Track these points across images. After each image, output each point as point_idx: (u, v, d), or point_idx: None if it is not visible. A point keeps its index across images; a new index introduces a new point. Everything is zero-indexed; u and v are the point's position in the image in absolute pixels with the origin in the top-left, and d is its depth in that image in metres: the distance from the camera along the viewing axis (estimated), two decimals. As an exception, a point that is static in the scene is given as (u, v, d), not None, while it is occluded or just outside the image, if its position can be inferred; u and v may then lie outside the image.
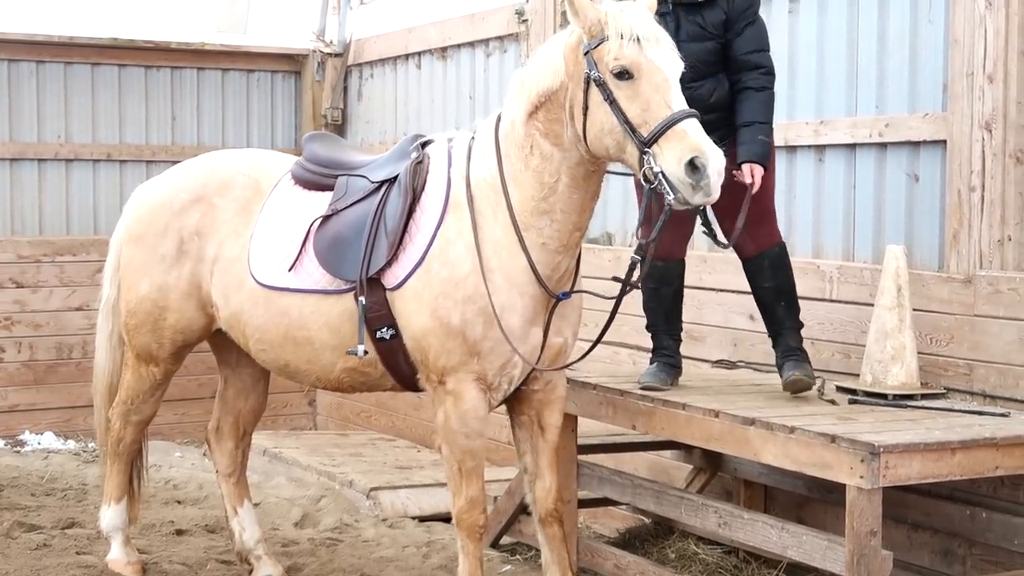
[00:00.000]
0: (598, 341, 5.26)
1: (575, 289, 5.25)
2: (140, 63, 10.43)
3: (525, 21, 8.39)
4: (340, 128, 10.73)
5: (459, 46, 9.32)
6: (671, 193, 4.66)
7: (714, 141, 4.80)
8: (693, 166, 4.61)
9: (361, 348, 5.25)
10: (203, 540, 6.94)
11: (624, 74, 4.73)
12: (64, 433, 9.98)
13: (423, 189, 5.29)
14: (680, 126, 4.66)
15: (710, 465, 6.70)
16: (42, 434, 9.92)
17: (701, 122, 4.77)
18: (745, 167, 5.46)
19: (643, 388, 5.75)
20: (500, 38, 8.85)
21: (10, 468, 8.67)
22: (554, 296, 5.14)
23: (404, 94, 10.06)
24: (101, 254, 10.04)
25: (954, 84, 5.79)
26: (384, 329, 5.26)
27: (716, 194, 4.66)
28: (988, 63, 5.63)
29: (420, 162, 5.34)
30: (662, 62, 4.77)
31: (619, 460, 6.83)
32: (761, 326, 6.00)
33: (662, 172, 4.65)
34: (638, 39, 4.74)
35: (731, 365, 6.67)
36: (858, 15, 6.36)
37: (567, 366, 5.36)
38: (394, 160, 5.47)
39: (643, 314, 6.04)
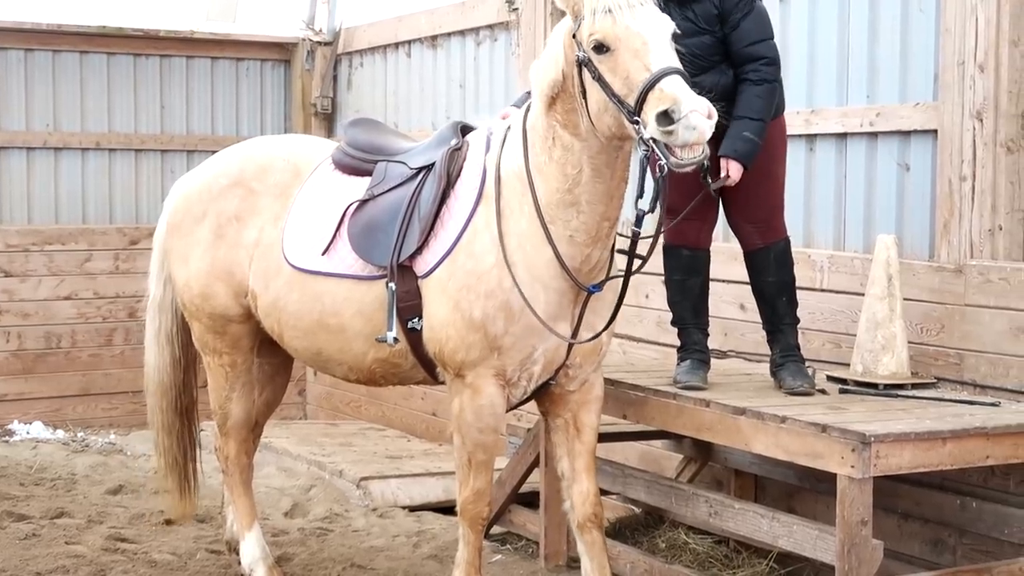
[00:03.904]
0: (611, 321, 5.04)
1: (609, 277, 5.02)
2: (129, 51, 10.39)
3: (516, 10, 8.36)
4: (330, 117, 10.69)
5: (449, 35, 9.30)
6: (664, 157, 4.42)
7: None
8: (666, 116, 4.35)
9: (391, 335, 5.13)
10: (192, 530, 6.92)
11: (602, 48, 4.57)
12: (53, 423, 9.97)
13: (458, 176, 5.16)
14: (658, 86, 4.43)
15: (700, 455, 6.69)
16: (31, 423, 9.91)
17: None
18: (723, 161, 5.35)
19: (685, 388, 5.58)
20: (491, 27, 8.83)
21: (-1, 458, 8.67)
22: (584, 289, 4.98)
23: (394, 83, 10.02)
24: (90, 243, 10.20)
25: (945, 73, 5.79)
26: (416, 319, 5.14)
27: (702, 127, 4.36)
28: (979, 52, 5.63)
29: (458, 148, 5.24)
30: (639, 26, 4.56)
31: (609, 450, 6.81)
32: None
33: (652, 138, 4.42)
34: (609, 9, 4.56)
35: (721, 355, 6.66)
36: (849, 4, 6.35)
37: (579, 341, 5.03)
38: (434, 147, 5.34)
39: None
